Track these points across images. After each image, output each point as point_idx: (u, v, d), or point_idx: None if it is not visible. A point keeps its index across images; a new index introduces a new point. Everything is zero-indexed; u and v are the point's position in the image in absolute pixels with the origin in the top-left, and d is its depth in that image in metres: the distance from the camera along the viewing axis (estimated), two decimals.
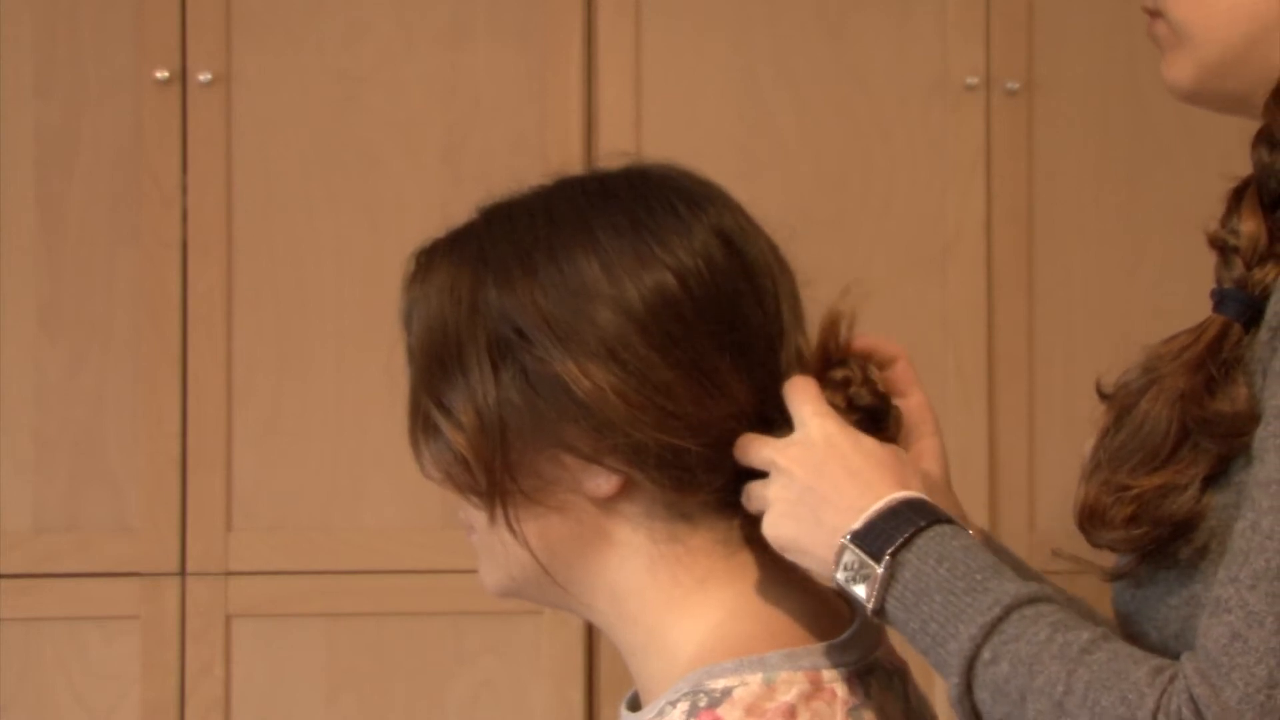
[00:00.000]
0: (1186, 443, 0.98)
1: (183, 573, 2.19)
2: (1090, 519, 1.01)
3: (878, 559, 0.95)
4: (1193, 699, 0.86)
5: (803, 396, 1.01)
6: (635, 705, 1.05)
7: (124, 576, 2.19)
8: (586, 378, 0.97)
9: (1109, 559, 1.05)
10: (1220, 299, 1.01)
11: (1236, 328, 0.99)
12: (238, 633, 2.20)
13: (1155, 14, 1.08)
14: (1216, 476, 0.97)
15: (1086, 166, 2.33)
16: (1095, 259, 2.32)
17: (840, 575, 0.97)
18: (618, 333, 0.98)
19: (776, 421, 1.01)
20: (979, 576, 0.94)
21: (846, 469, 0.98)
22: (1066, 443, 2.28)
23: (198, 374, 2.20)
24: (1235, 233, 1.01)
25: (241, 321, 2.22)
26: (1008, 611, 0.93)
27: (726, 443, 1.00)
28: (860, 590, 0.96)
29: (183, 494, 2.20)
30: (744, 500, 1.01)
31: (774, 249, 1.06)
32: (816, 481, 0.98)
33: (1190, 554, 0.97)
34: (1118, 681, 0.88)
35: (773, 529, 0.99)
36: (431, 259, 1.04)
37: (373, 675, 2.22)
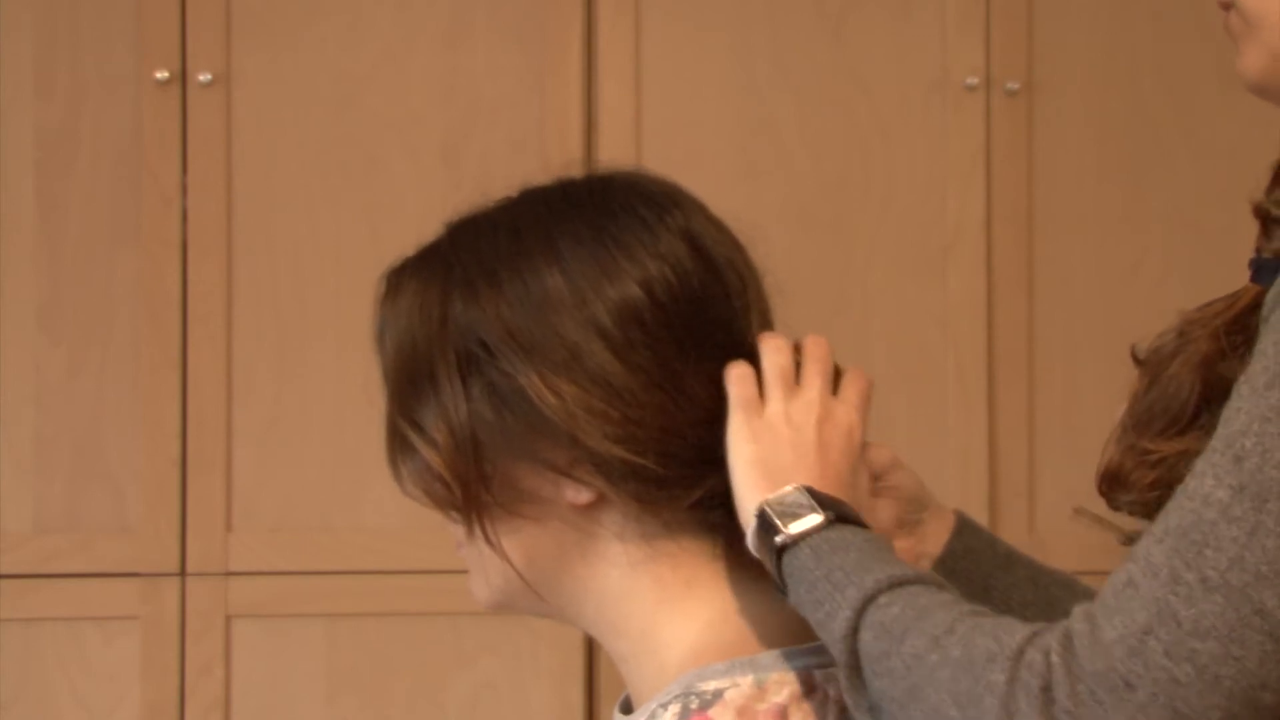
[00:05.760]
0: (1207, 409, 0.98)
1: (183, 573, 2.19)
2: (1112, 482, 1.01)
3: (822, 509, 0.96)
4: (1068, 634, 0.86)
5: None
6: (628, 708, 1.05)
7: (124, 576, 2.19)
8: (550, 391, 0.97)
9: (1129, 522, 1.05)
10: (1258, 268, 1.01)
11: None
12: (238, 633, 2.20)
13: (1227, 6, 1.08)
14: None
15: (1086, 166, 2.33)
16: (1095, 258, 2.32)
17: (770, 508, 0.96)
18: (581, 344, 0.97)
19: None
20: (894, 558, 0.96)
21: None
22: (1066, 443, 2.28)
23: (198, 374, 2.20)
24: (1279, 203, 1.01)
25: (241, 321, 2.22)
26: (919, 579, 0.93)
27: (695, 458, 1.00)
28: (783, 523, 0.95)
29: (183, 494, 2.20)
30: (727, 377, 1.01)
31: (741, 250, 1.05)
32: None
33: None
34: (995, 628, 0.89)
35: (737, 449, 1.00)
36: (401, 278, 1.03)
37: (373, 675, 2.22)
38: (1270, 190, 1.02)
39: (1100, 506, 1.06)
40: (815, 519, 0.95)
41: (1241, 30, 1.06)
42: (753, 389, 1.00)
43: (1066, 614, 1.03)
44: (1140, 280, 2.32)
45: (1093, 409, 2.24)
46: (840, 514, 0.96)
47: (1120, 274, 2.32)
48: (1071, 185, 2.32)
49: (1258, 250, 1.02)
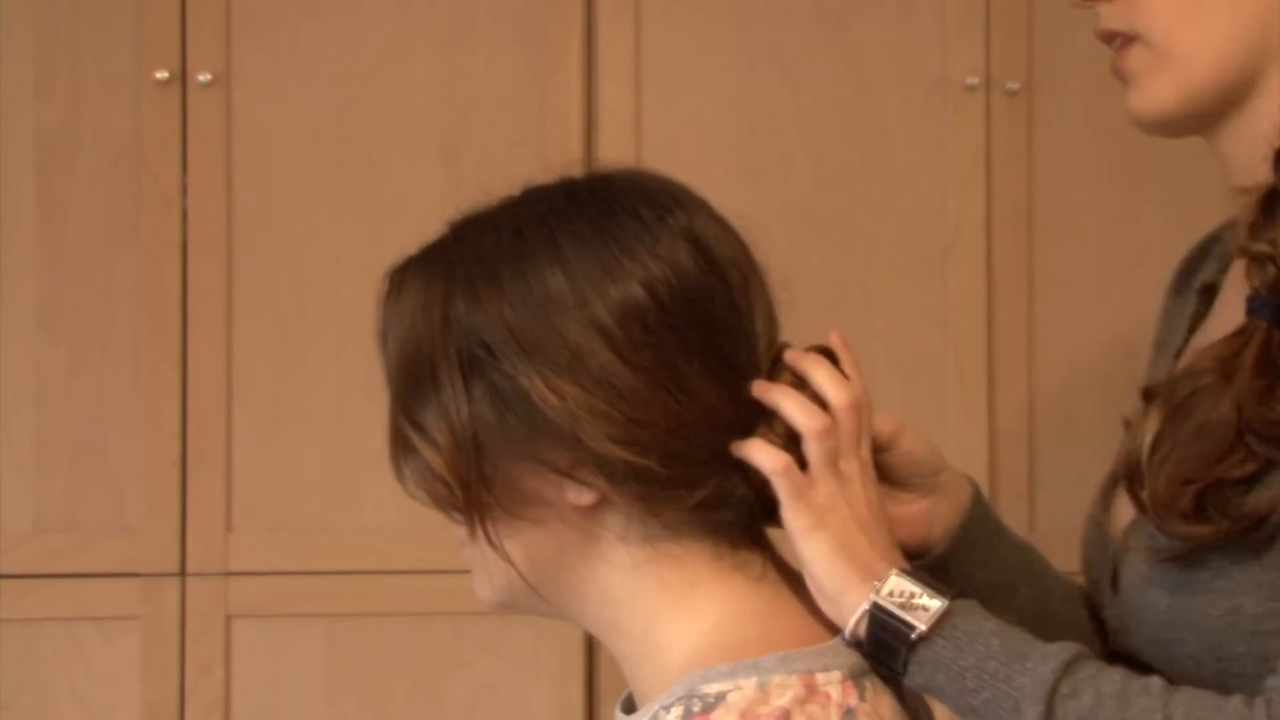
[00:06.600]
0: (1241, 442, 1.02)
1: (183, 573, 2.19)
2: (1163, 511, 1.05)
3: (937, 594, 0.98)
4: None
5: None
6: (629, 707, 1.05)
7: (124, 577, 2.19)
8: (553, 393, 0.96)
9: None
10: (1259, 305, 1.04)
11: (1276, 332, 1.03)
12: (238, 633, 2.20)
13: (1129, 41, 1.08)
14: (1271, 473, 1.01)
15: (1086, 166, 2.33)
16: (1095, 259, 2.32)
17: (886, 601, 0.98)
18: (583, 345, 0.97)
19: (755, 424, 1.02)
20: (1030, 638, 0.99)
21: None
22: (1066, 442, 2.28)
23: (198, 374, 2.20)
24: (1272, 242, 1.04)
25: (241, 321, 2.22)
26: (1076, 655, 0.96)
27: (699, 458, 1.00)
28: (910, 616, 0.98)
29: (183, 494, 2.20)
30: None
31: (745, 249, 1.05)
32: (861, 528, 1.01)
33: (1255, 543, 1.02)
34: (1216, 708, 0.92)
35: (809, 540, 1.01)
36: (404, 277, 1.03)
37: (373, 675, 2.22)
38: (1256, 230, 1.06)
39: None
40: (936, 605, 0.98)
41: (1149, 65, 1.07)
42: (800, 476, 1.00)
43: (1042, 583, 1.07)
44: (1139, 280, 2.32)
45: (1093, 409, 2.24)
46: (949, 594, 0.99)
47: (1120, 274, 2.32)
48: (1071, 185, 2.32)
49: (1252, 287, 1.04)
